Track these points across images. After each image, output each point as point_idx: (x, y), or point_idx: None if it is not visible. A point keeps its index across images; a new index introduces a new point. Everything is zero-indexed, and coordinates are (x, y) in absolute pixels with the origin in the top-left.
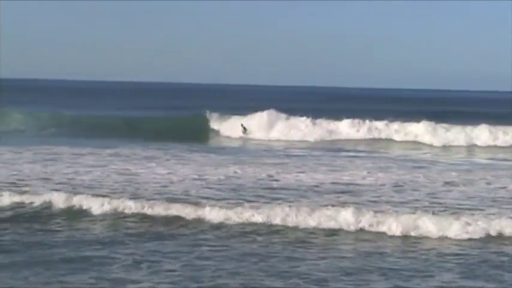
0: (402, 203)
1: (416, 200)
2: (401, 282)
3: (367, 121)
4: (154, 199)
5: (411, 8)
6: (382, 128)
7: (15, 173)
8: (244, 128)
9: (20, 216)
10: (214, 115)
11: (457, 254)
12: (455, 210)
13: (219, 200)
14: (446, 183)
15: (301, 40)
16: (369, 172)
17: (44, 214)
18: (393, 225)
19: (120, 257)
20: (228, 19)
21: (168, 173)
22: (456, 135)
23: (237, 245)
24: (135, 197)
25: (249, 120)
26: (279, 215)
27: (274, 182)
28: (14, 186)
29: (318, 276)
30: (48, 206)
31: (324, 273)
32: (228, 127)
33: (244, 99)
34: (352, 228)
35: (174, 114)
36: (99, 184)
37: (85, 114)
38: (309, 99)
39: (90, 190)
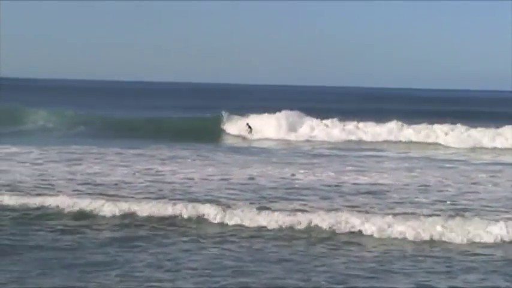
0: (427, 204)
1: (441, 201)
2: (425, 282)
3: (387, 123)
4: (177, 199)
5: (411, 8)
6: (403, 129)
7: (40, 172)
8: (250, 127)
9: (45, 216)
10: (232, 116)
11: (480, 255)
12: (480, 212)
13: (241, 200)
14: (473, 184)
15: (304, 40)
16: (393, 173)
17: (67, 215)
18: (417, 229)
19: (145, 257)
20: (229, 19)
21: (191, 173)
22: (480, 136)
23: (260, 245)
24: (158, 196)
25: (269, 119)
26: (302, 217)
27: (297, 182)
28: (38, 187)
29: (341, 276)
30: (70, 207)
31: (346, 273)
32: (248, 128)
33: (253, 99)
34: (375, 231)
35: (191, 115)
36: (125, 184)
37: (109, 115)
38: (319, 99)
39: (114, 190)
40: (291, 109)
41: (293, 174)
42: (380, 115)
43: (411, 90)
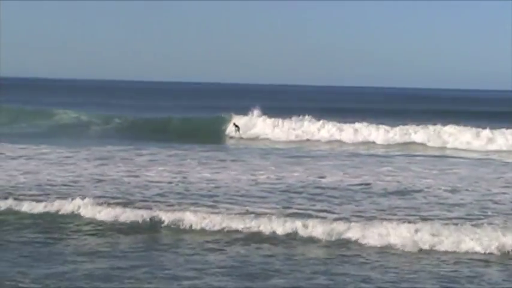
0: (454, 205)
1: (471, 203)
2: (450, 284)
3: (400, 125)
4: (205, 201)
5: (411, 8)
6: (415, 132)
7: (69, 174)
8: (237, 126)
9: (75, 221)
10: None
11: (503, 263)
12: (508, 216)
13: (270, 203)
14: (502, 187)
15: (305, 40)
16: (420, 174)
17: (97, 220)
18: (444, 242)
19: (174, 257)
20: (232, 19)
21: (215, 173)
22: (497, 138)
23: (287, 248)
24: (184, 197)
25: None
26: (334, 227)
27: (324, 183)
28: (69, 189)
29: (366, 277)
30: (101, 212)
31: (370, 275)
32: (235, 127)
33: (258, 99)
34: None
35: (215, 115)
36: (152, 185)
37: (137, 116)
38: (324, 99)
39: (145, 190)
40: (303, 109)
41: (321, 176)
42: (385, 115)
43: (410, 90)
